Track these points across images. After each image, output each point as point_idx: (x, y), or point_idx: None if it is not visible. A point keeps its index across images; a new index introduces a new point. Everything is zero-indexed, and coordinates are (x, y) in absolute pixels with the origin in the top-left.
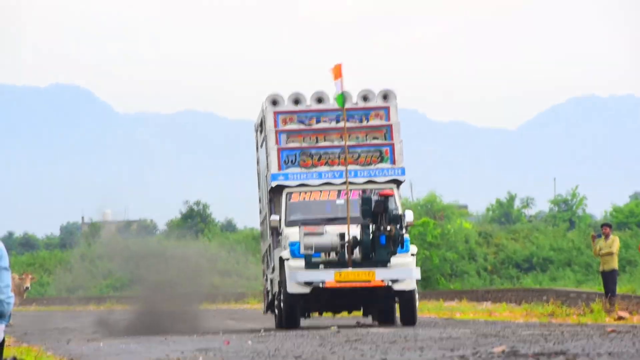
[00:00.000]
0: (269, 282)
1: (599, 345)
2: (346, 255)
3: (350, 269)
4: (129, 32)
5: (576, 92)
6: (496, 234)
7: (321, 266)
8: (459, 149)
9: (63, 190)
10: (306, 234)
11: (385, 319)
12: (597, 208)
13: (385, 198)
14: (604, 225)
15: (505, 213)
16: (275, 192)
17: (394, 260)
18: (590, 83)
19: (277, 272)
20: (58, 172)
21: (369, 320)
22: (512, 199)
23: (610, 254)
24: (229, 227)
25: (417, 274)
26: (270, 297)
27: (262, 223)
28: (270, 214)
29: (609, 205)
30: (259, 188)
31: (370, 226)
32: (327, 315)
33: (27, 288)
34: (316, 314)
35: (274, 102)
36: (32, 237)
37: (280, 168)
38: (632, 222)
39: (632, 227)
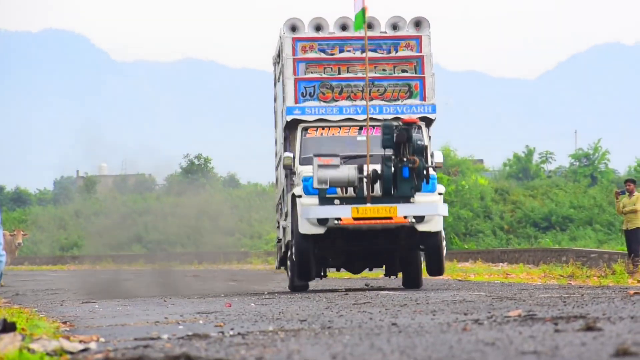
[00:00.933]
0: (281, 230)
1: (621, 309)
2: (365, 191)
3: (369, 205)
4: None
5: (600, 39)
6: (513, 190)
7: (337, 201)
8: (475, 100)
9: (57, 142)
10: (320, 166)
11: (409, 281)
12: (621, 163)
13: (409, 126)
14: (627, 181)
15: (523, 168)
16: (291, 128)
17: (418, 198)
18: (616, 30)
19: (289, 216)
20: (52, 124)
21: (378, 282)
22: (530, 153)
23: (635, 211)
24: (232, 182)
25: (444, 209)
26: (283, 249)
27: (277, 167)
28: (285, 152)
29: (633, 160)
30: (275, 128)
31: (393, 159)
32: (339, 276)
33: (19, 244)
34: (332, 274)
35: (293, 28)
36: (24, 192)
37: (297, 101)
38: None
39: None
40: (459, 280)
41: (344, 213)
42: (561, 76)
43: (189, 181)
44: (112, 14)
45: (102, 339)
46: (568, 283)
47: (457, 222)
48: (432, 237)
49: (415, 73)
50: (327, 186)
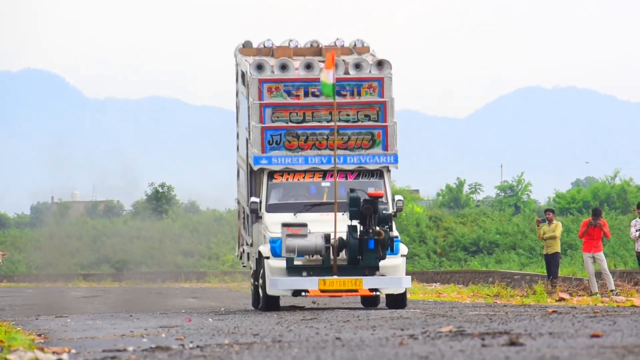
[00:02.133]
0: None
1: (541, 326)
2: (331, 260)
3: (335, 277)
4: (97, 17)
5: (522, 83)
6: (445, 218)
7: (304, 273)
8: (412, 136)
9: (34, 172)
10: (289, 235)
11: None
12: (541, 194)
13: (374, 199)
14: (547, 210)
15: (454, 198)
16: (257, 172)
17: (382, 264)
18: (536, 75)
19: (255, 257)
20: (29, 155)
21: (324, 300)
22: (461, 184)
23: (553, 237)
24: (192, 208)
25: (407, 282)
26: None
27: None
28: (250, 192)
29: (552, 192)
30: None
31: (358, 228)
32: None
33: None
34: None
35: (259, 67)
36: (4, 216)
37: (263, 150)
38: (573, 207)
39: (574, 212)
40: None
41: (311, 285)
42: (488, 116)
43: (153, 207)
44: (86, 55)
45: (73, 351)
46: (494, 302)
47: None
48: (397, 295)
49: (378, 118)
50: (295, 255)
